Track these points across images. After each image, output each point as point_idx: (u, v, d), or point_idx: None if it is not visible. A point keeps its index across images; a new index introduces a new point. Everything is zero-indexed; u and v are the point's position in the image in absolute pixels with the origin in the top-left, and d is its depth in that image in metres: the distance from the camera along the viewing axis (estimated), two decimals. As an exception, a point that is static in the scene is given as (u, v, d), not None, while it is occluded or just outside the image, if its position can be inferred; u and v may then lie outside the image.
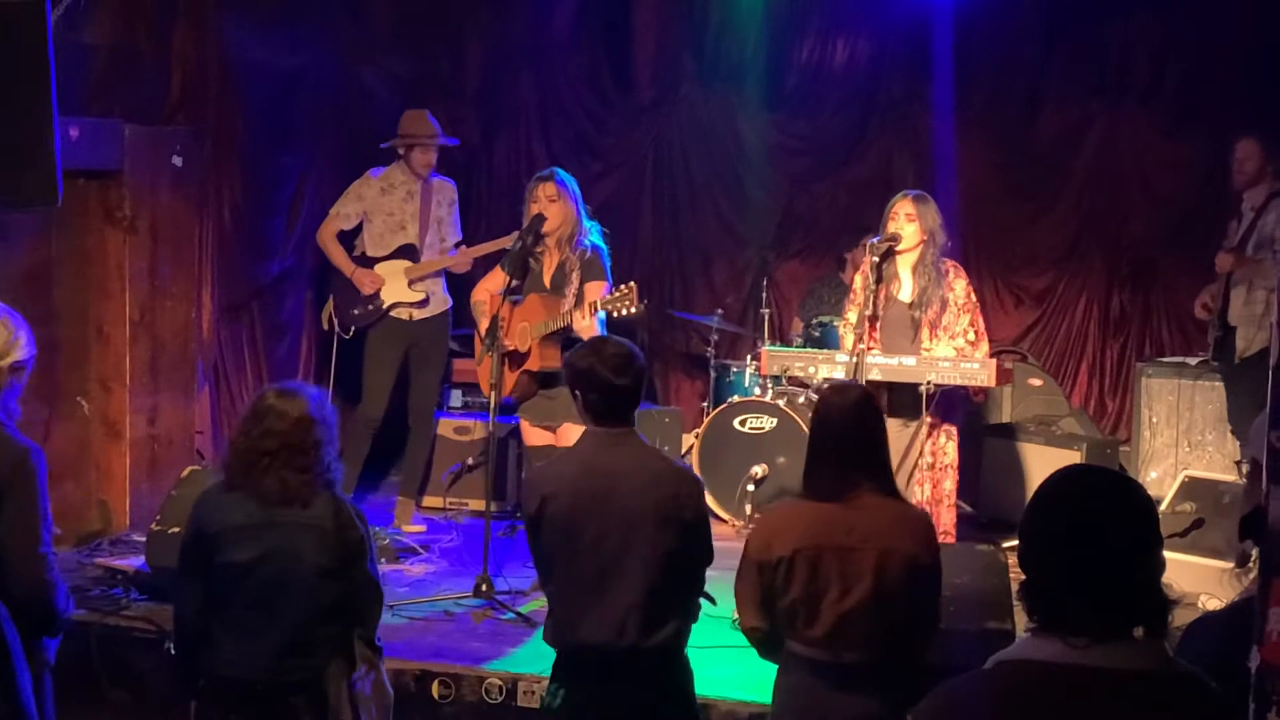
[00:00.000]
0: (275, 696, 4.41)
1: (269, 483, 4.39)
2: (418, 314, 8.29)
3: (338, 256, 8.34)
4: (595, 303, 6.70)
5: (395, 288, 8.24)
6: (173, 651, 5.81)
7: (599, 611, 4.42)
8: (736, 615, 6.05)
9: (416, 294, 8.26)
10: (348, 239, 8.43)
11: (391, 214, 8.29)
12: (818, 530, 4.26)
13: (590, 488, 4.47)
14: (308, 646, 4.42)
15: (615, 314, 6.66)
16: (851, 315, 7.12)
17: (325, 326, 8.54)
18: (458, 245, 8.45)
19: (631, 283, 6.68)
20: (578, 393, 4.60)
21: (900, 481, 6.86)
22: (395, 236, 8.29)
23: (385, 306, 8.24)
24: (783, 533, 4.31)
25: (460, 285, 8.42)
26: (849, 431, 4.37)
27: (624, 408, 4.58)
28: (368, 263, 8.27)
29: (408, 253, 8.26)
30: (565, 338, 6.93)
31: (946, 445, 7.03)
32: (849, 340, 7.05)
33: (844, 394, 4.51)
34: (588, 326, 6.68)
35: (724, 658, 5.88)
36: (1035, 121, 10.10)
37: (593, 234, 7.10)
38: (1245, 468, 7.08)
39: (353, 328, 8.32)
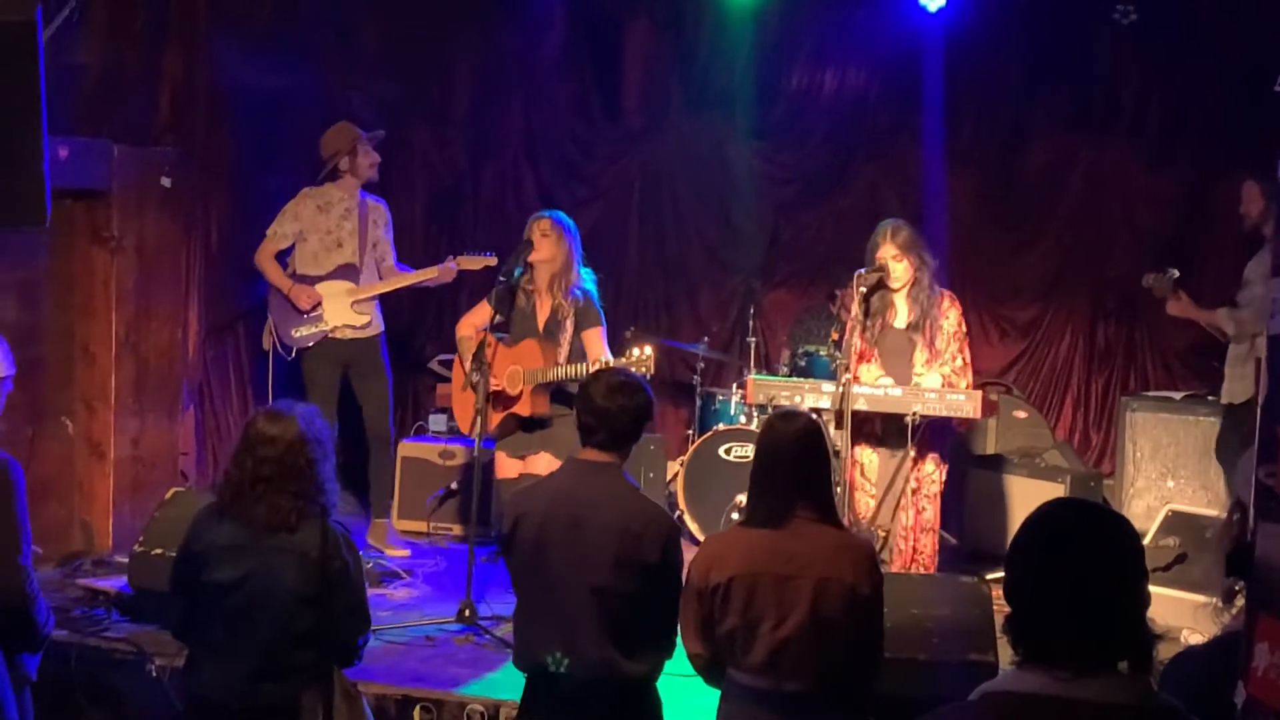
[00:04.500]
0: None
1: (259, 509, 4.40)
2: (353, 334, 8.22)
3: (275, 275, 8.21)
4: (607, 361, 6.68)
5: (338, 309, 8.15)
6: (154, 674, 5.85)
7: (555, 638, 4.46)
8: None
9: (360, 316, 8.19)
10: (280, 261, 8.33)
11: (329, 232, 8.19)
12: (755, 558, 4.26)
13: (559, 515, 4.52)
14: (280, 672, 4.41)
15: None
16: (857, 343, 7.12)
17: (265, 348, 8.43)
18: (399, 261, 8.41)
19: (649, 350, 6.66)
20: (576, 410, 4.68)
21: (886, 510, 6.91)
22: (332, 255, 8.19)
23: (329, 328, 8.17)
24: (721, 560, 4.31)
25: (410, 308, 8.40)
26: (794, 459, 4.37)
27: (602, 433, 4.60)
28: (304, 283, 8.17)
29: (347, 273, 8.18)
30: (556, 388, 6.95)
31: (934, 473, 7.04)
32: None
33: (790, 421, 4.49)
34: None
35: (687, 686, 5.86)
36: (1021, 154, 10.15)
37: (587, 281, 7.12)
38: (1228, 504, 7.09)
39: (294, 349, 8.24)
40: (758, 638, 4.22)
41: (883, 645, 4.43)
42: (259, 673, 4.39)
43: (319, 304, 8.14)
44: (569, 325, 6.98)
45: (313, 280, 8.17)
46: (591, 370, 6.66)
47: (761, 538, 4.31)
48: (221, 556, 4.41)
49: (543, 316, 7.07)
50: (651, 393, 4.75)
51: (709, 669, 4.46)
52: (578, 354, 6.94)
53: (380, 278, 8.31)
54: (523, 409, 6.93)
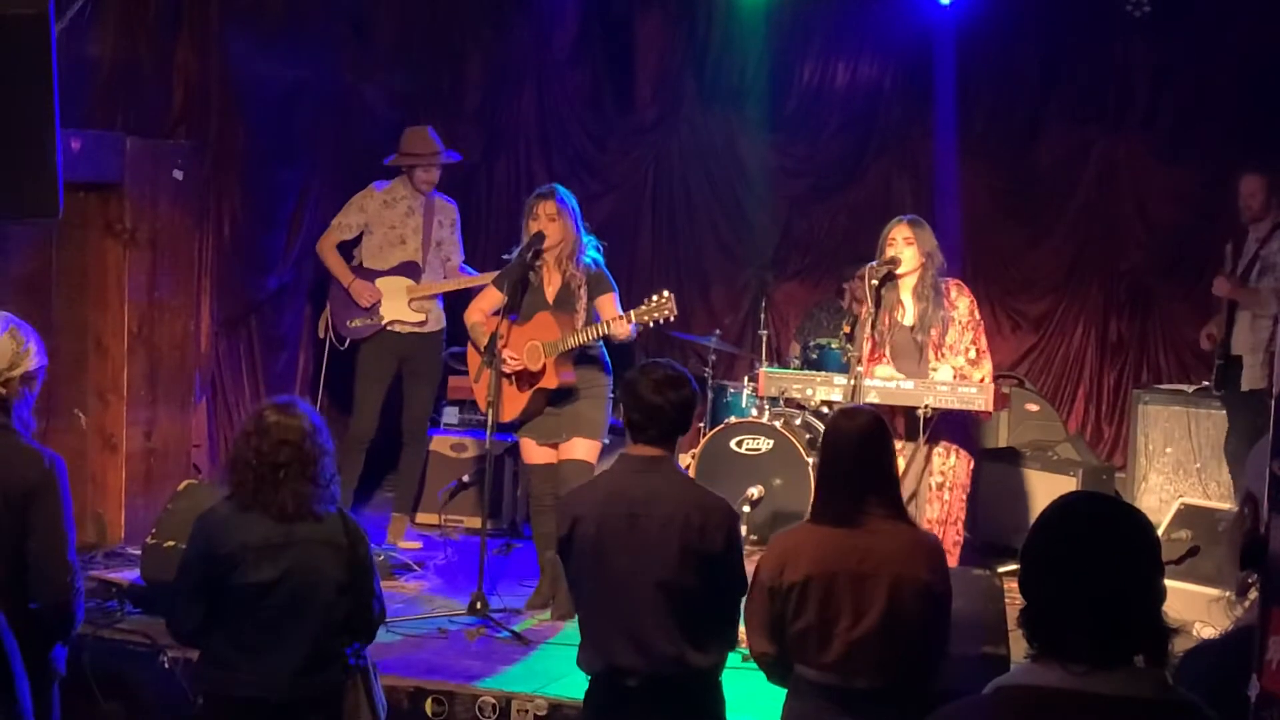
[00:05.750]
0: (291, 715, 4.42)
1: (283, 496, 4.41)
2: (411, 329, 8.28)
3: (336, 267, 8.32)
4: (629, 314, 6.65)
5: (395, 305, 8.23)
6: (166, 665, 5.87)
7: (625, 637, 4.42)
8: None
9: (417, 314, 8.26)
10: (346, 250, 8.42)
11: (393, 227, 8.28)
12: (831, 556, 4.24)
13: (617, 514, 4.47)
14: (324, 662, 4.46)
15: (652, 323, 6.63)
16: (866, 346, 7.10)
17: (321, 336, 8.52)
18: (463, 264, 8.48)
19: (667, 292, 6.64)
20: (623, 406, 4.65)
21: (921, 501, 6.89)
22: (396, 251, 8.28)
23: (384, 322, 8.24)
24: (795, 558, 4.28)
25: (458, 305, 8.45)
26: (860, 456, 4.36)
27: (655, 429, 4.56)
28: (367, 275, 8.27)
29: (409, 270, 8.25)
30: (580, 354, 6.93)
31: (957, 466, 7.00)
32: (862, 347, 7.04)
33: (854, 418, 4.48)
34: (626, 331, 6.67)
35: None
36: (1034, 147, 10.14)
37: (590, 249, 7.08)
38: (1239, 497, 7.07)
39: (348, 340, 8.31)
40: (834, 636, 4.20)
41: (949, 641, 4.43)
42: (305, 666, 4.42)
43: (378, 301, 8.21)
44: (582, 294, 6.92)
45: (375, 274, 8.25)
46: (609, 327, 6.65)
47: (834, 535, 4.28)
48: (256, 557, 4.40)
49: (551, 290, 7.02)
50: (696, 385, 4.73)
51: (775, 667, 4.43)
52: (592, 320, 6.88)
53: (444, 277, 8.35)
54: (549, 382, 6.87)
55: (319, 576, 4.41)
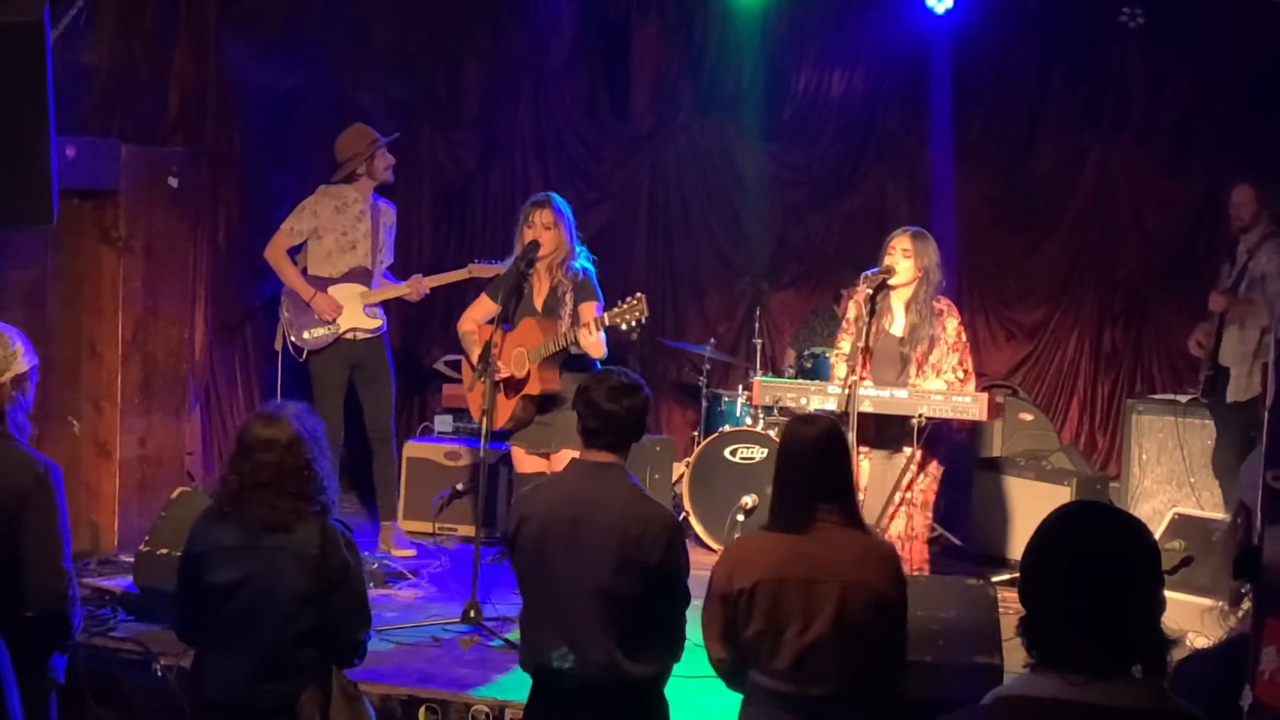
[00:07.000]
0: None
1: (258, 510, 4.41)
2: (361, 335, 8.20)
3: (293, 278, 8.14)
4: (603, 316, 6.66)
5: (351, 312, 8.12)
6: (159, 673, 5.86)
7: (559, 640, 4.46)
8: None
9: (373, 320, 8.18)
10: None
11: (345, 232, 8.15)
12: (780, 563, 4.24)
13: (562, 517, 4.51)
14: (282, 672, 4.43)
15: (625, 325, 6.64)
16: (844, 345, 7.10)
17: (277, 348, 8.37)
18: (389, 268, 8.40)
19: (639, 293, 6.64)
20: (578, 414, 4.66)
21: (885, 514, 6.87)
22: (346, 256, 8.15)
23: (341, 331, 8.14)
24: (745, 564, 4.29)
25: (419, 308, 8.41)
26: (814, 463, 4.35)
27: (610, 435, 4.60)
28: (317, 283, 8.12)
29: (360, 275, 8.16)
30: (565, 358, 6.91)
31: (922, 481, 6.98)
32: (840, 369, 7.05)
33: (810, 425, 4.48)
34: (595, 343, 6.68)
35: (708, 688, 5.87)
36: (1030, 156, 10.14)
37: (581, 257, 7.08)
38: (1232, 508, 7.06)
39: (305, 351, 8.20)
40: (783, 642, 4.21)
41: (906, 649, 4.43)
42: (261, 672, 4.41)
43: (340, 313, 8.13)
44: (568, 300, 6.92)
45: (325, 282, 8.13)
46: (584, 328, 6.66)
47: (786, 542, 4.29)
48: (223, 558, 4.44)
49: (540, 297, 7.01)
50: (649, 391, 4.75)
51: (732, 673, 4.44)
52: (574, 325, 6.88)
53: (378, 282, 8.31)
54: (533, 388, 6.87)
55: (278, 584, 4.39)
